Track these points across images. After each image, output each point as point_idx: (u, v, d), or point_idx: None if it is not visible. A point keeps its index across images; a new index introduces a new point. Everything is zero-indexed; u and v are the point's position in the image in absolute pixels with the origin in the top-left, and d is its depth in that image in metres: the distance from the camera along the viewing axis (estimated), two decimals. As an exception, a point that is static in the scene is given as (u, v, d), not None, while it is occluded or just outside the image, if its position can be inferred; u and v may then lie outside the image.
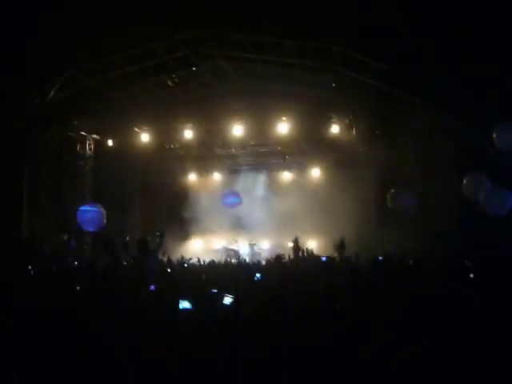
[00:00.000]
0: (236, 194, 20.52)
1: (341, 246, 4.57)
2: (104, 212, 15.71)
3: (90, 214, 15.74)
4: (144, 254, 4.46)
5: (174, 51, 16.09)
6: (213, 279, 6.74)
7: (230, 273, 7.83)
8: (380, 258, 4.85)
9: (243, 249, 20.98)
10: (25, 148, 17.84)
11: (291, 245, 16.94)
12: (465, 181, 14.17)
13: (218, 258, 17.38)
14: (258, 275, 6.19)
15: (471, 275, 8.31)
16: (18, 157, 17.53)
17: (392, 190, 14.69)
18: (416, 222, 16.02)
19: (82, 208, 16.10)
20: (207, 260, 14.55)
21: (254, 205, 21.09)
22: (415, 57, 13.84)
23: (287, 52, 15.38)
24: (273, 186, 22.84)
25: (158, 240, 4.95)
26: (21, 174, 17.88)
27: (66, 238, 18.35)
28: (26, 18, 13.91)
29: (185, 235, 21.82)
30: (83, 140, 20.51)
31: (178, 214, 22.09)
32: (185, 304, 3.76)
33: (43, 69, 15.39)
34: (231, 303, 4.30)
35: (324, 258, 9.33)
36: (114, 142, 20.48)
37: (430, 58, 13.50)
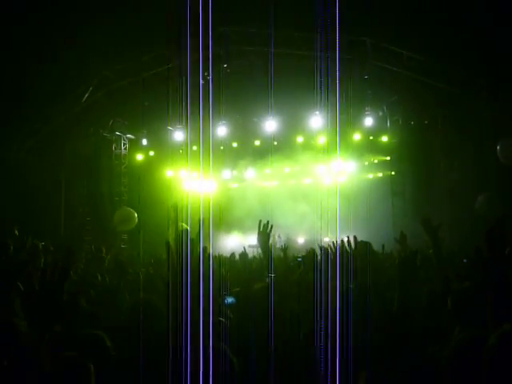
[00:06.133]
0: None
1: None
2: None
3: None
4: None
5: (205, 49, 16.10)
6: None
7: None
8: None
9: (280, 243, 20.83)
10: (62, 149, 18.18)
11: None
12: (501, 144, 13.62)
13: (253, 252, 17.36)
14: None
15: None
16: (55, 158, 17.86)
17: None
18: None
19: None
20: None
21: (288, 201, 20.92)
22: (450, 46, 13.57)
23: (319, 45, 15.24)
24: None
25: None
26: (58, 176, 18.21)
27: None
28: (59, 20, 14.13)
29: (225, 232, 21.76)
30: (118, 140, 20.75)
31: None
32: (229, 300, 3.71)
33: (77, 71, 15.63)
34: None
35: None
36: (148, 142, 20.69)
37: (466, 47, 13.20)
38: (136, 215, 18.12)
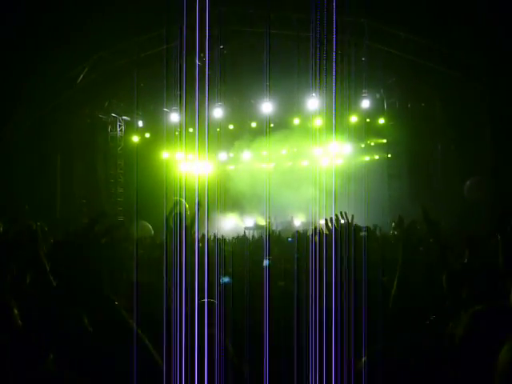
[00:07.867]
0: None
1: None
2: None
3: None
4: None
5: (201, 30, 15.97)
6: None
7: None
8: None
9: (276, 225, 20.90)
10: (58, 131, 18.08)
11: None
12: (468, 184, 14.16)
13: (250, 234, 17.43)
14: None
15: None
16: (51, 141, 17.77)
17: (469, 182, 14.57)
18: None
19: None
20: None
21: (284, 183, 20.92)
22: (449, 29, 13.48)
23: (316, 26, 15.15)
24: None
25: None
26: (53, 158, 18.14)
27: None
28: (54, 1, 13.97)
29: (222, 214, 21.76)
30: (114, 122, 20.65)
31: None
32: (225, 279, 3.73)
33: (72, 51, 15.49)
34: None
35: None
36: (144, 123, 20.60)
37: (465, 30, 13.12)
38: (151, 227, 17.48)
